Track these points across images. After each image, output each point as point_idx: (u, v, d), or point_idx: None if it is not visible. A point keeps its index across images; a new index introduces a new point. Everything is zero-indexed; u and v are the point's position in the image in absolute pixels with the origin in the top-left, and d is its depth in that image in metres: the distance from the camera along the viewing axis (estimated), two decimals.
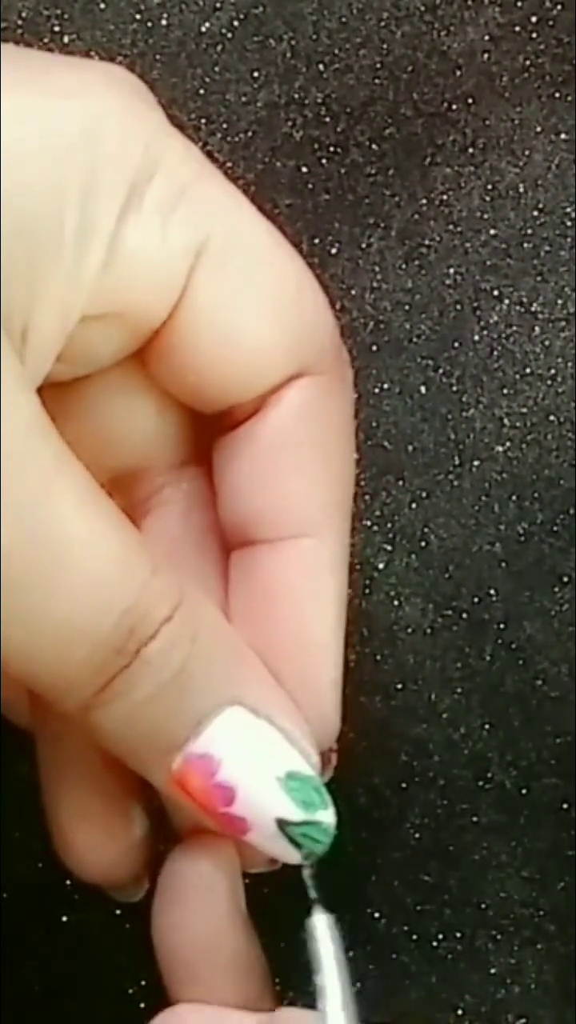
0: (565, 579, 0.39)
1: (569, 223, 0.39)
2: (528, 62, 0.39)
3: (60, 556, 0.27)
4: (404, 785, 0.38)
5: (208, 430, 0.31)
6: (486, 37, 0.39)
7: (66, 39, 0.38)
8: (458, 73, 0.39)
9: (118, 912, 0.38)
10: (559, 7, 0.39)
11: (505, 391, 0.39)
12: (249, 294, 0.29)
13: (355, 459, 0.31)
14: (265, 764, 0.29)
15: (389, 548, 0.39)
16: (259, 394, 0.30)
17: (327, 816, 0.29)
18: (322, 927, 0.29)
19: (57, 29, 0.38)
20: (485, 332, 0.39)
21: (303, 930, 0.30)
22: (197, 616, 0.28)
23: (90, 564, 0.27)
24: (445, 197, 0.39)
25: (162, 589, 0.28)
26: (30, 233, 0.27)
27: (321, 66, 0.39)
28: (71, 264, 0.27)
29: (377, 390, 0.39)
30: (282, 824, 0.29)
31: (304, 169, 0.39)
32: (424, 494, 0.39)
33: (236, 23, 0.38)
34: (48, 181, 0.27)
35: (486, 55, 0.39)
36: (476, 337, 0.39)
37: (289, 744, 0.29)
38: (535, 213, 0.39)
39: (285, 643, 0.30)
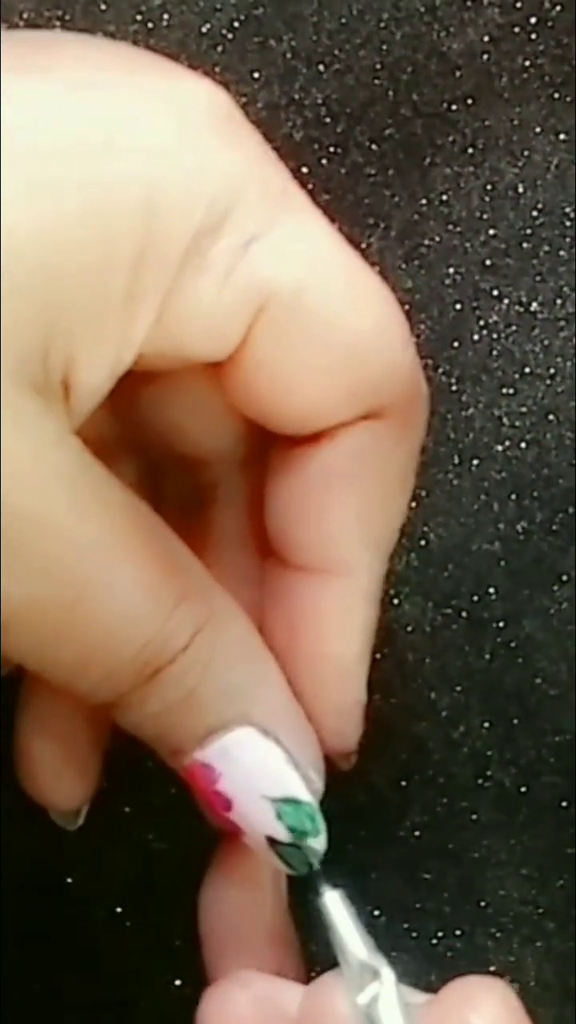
0: (564, 578, 0.39)
1: (568, 223, 0.39)
2: (528, 63, 0.39)
3: (88, 589, 0.27)
4: (403, 783, 0.38)
5: (272, 438, 0.31)
6: (486, 38, 0.39)
7: None
8: (458, 74, 0.39)
9: (119, 910, 0.38)
10: (559, 8, 0.39)
11: (504, 390, 0.39)
12: (312, 352, 0.28)
13: (409, 496, 0.31)
14: (261, 785, 0.30)
15: None
16: (317, 431, 0.30)
17: (316, 843, 0.30)
18: (332, 899, 0.30)
19: (58, 29, 0.38)
20: (485, 332, 0.39)
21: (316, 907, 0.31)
22: (216, 640, 0.29)
23: (117, 598, 0.27)
24: (445, 197, 0.39)
25: (184, 618, 0.28)
26: (69, 308, 0.26)
27: (321, 67, 0.38)
28: (116, 326, 0.27)
29: None
30: (271, 842, 0.30)
31: (304, 169, 0.38)
32: (423, 493, 0.39)
33: (236, 24, 0.38)
34: (92, 259, 0.26)
35: (486, 56, 0.39)
36: (475, 337, 0.39)
37: (292, 768, 0.30)
38: (534, 213, 0.39)
39: (311, 662, 0.31)
